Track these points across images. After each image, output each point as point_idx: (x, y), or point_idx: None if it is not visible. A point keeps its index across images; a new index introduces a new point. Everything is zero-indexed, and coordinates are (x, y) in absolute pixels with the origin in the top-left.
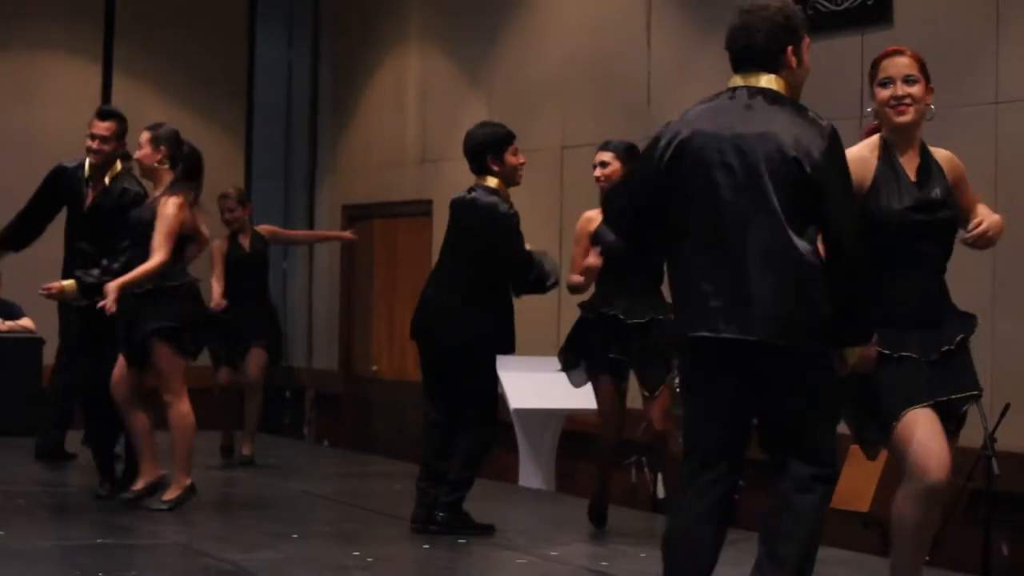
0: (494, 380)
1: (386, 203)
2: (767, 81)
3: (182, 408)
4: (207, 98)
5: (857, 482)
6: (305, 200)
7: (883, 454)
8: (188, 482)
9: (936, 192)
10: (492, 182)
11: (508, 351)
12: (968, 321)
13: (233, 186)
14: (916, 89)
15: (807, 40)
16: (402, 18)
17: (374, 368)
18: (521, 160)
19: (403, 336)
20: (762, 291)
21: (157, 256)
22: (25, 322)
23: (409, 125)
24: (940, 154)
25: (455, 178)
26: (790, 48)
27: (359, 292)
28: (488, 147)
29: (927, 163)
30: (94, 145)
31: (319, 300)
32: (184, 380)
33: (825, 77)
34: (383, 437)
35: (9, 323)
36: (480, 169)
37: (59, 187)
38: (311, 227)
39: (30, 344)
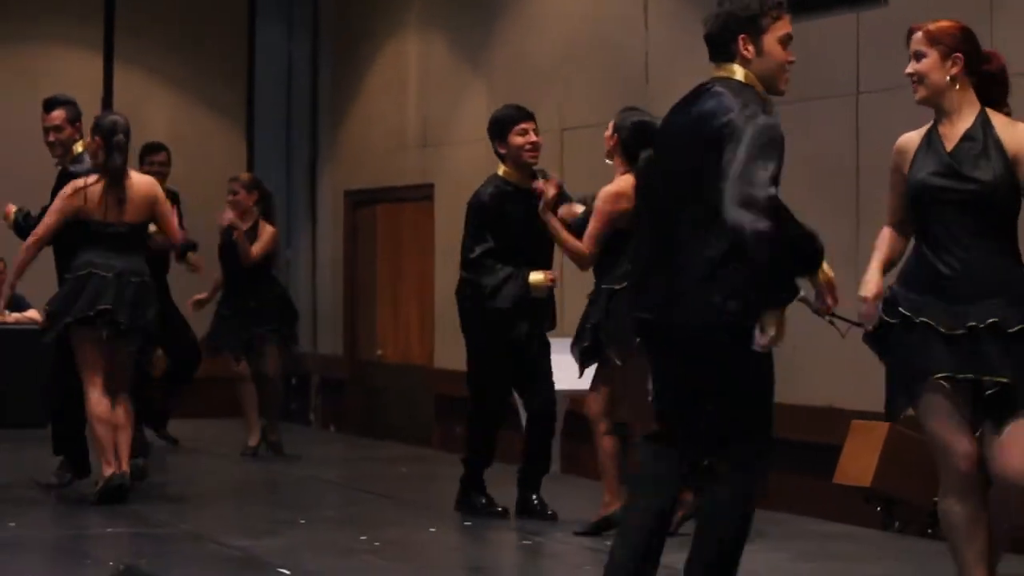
0: None
1: (388, 188)
2: (725, 71)
3: (88, 398)
4: (208, 87)
5: (859, 457)
6: (307, 187)
7: (882, 428)
8: (108, 472)
9: (971, 161)
10: (501, 168)
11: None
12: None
13: (247, 172)
14: (924, 65)
15: (777, 29)
16: (402, 4)
17: (379, 352)
18: (528, 140)
19: (407, 320)
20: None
21: (28, 239)
22: (32, 313)
23: (410, 110)
24: (1007, 127)
25: (456, 162)
26: (742, 37)
27: (362, 277)
28: (492, 133)
29: (976, 133)
30: (51, 138)
31: (323, 286)
32: (90, 367)
33: (820, 56)
34: (389, 421)
35: (16, 315)
36: (496, 156)
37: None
38: (314, 214)
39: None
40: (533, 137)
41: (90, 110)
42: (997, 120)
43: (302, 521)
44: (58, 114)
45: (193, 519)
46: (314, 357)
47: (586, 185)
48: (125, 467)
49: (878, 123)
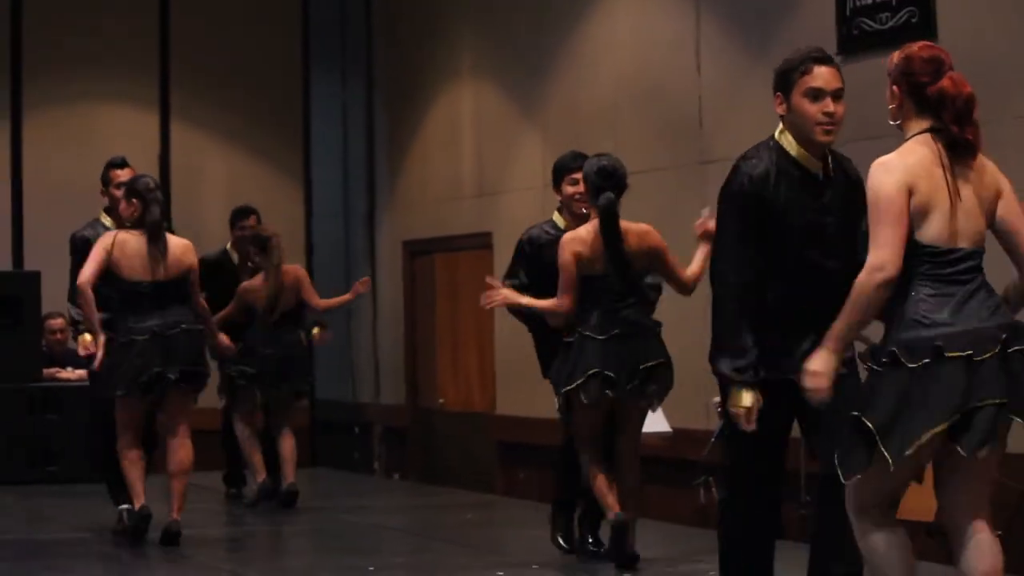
0: None
1: (446, 237)
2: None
3: (119, 442)
4: (264, 141)
5: (921, 492)
6: (365, 238)
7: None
8: (137, 505)
9: None
10: (555, 215)
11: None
12: None
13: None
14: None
15: (804, 84)
16: (454, 53)
17: (440, 401)
18: (577, 190)
19: (467, 368)
20: None
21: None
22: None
23: (465, 159)
24: None
25: (513, 210)
26: (777, 95)
27: (422, 326)
28: (552, 180)
29: None
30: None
31: (383, 335)
32: (124, 425)
33: (870, 95)
34: (451, 468)
35: (79, 372)
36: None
37: (84, 256)
38: (373, 265)
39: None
40: (583, 187)
41: (147, 166)
42: None
43: (371, 568)
44: (130, 171)
45: (264, 568)
46: (376, 406)
47: None
48: (176, 515)
49: None
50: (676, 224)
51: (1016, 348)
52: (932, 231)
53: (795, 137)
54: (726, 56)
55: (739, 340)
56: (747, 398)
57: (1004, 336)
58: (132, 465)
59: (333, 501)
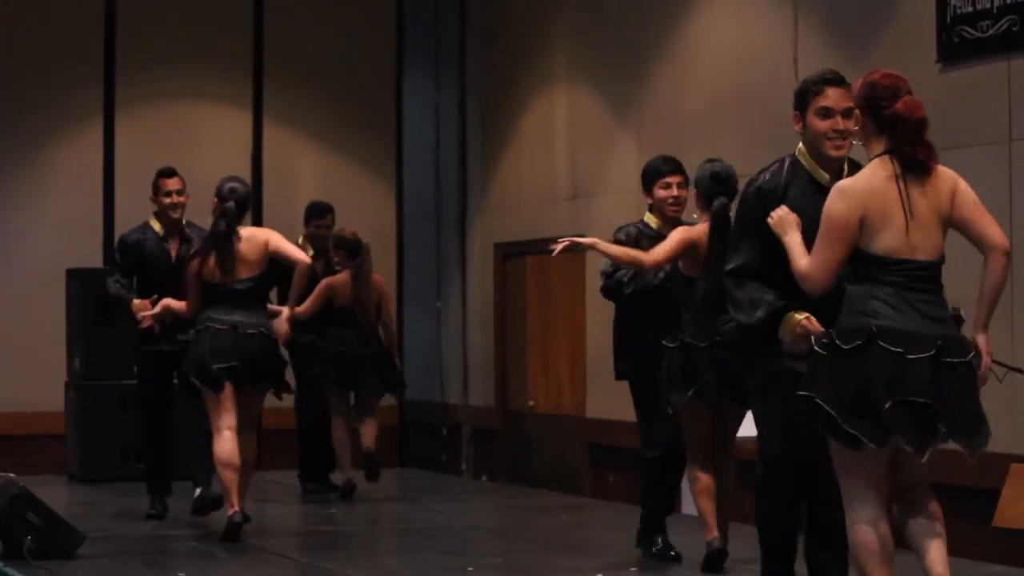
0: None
1: (538, 240)
2: None
3: (214, 441)
4: (357, 143)
5: (1019, 500)
6: (457, 240)
7: None
8: (230, 512)
9: None
10: (646, 215)
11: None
12: None
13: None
14: None
15: (817, 103)
16: (549, 56)
17: (530, 403)
18: (670, 194)
19: (558, 371)
20: None
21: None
22: None
23: (558, 162)
24: None
25: (606, 214)
26: (795, 114)
27: (513, 328)
28: (642, 183)
29: None
30: (178, 200)
31: (473, 337)
32: (214, 412)
33: (971, 104)
34: (541, 471)
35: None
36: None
37: (133, 257)
38: (463, 267)
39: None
40: (675, 191)
41: (240, 166)
42: None
43: (470, 569)
44: (179, 180)
45: (360, 566)
46: (465, 408)
47: None
48: (239, 505)
49: None
50: None
51: (948, 359)
52: (885, 244)
53: (810, 152)
54: (824, 62)
55: (753, 293)
56: (796, 316)
57: (939, 344)
58: (224, 468)
59: (423, 501)
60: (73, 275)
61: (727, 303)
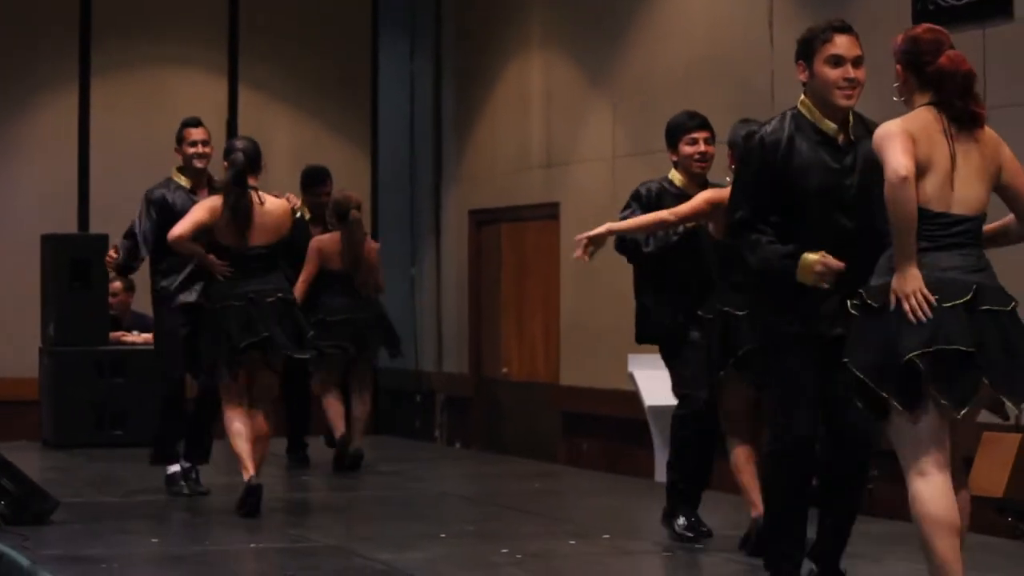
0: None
1: (513, 207)
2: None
3: (225, 414)
4: (331, 111)
5: (990, 469)
6: (432, 207)
7: (1014, 440)
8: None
9: None
10: (671, 172)
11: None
12: None
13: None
14: None
15: (825, 51)
16: (524, 24)
17: (504, 370)
18: (697, 149)
19: (532, 338)
20: None
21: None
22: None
23: (533, 130)
24: None
25: (581, 181)
26: (799, 63)
27: (487, 295)
28: (666, 140)
29: None
30: (203, 150)
31: (447, 304)
32: (226, 390)
33: None
34: (514, 438)
35: (145, 335)
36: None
37: (164, 213)
38: (438, 234)
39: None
40: (703, 147)
41: (215, 133)
42: None
43: (442, 535)
44: (205, 130)
45: (333, 533)
46: (439, 375)
47: None
48: (254, 471)
49: (1006, 138)
50: None
51: (987, 307)
52: (925, 192)
53: (815, 103)
54: (800, 30)
55: (762, 239)
56: (810, 256)
57: (975, 289)
58: (236, 437)
59: (397, 468)
60: (48, 241)
61: (743, 250)
